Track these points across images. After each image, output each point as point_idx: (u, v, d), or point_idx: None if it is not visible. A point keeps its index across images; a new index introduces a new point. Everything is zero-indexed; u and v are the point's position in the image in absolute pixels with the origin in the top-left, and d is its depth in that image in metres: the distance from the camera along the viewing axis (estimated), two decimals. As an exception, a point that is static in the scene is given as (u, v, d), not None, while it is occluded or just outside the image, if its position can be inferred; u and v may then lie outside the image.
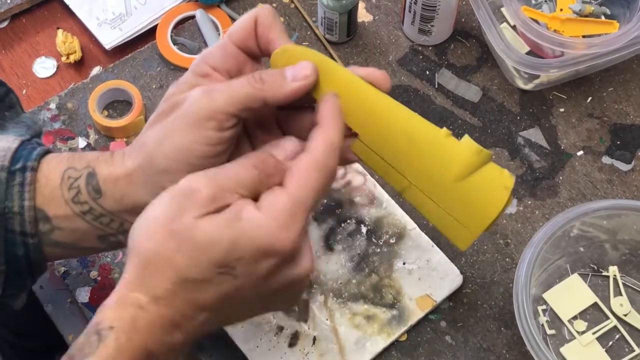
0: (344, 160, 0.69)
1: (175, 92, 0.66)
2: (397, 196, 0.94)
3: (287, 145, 0.64)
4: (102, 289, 0.90)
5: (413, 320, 0.87)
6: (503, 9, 1.05)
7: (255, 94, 0.63)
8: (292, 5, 1.09)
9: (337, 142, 0.62)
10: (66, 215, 0.68)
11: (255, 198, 0.60)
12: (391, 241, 0.91)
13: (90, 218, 0.68)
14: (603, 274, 0.91)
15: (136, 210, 0.64)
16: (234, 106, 0.62)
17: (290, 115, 0.69)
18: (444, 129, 0.66)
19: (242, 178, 0.60)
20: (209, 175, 0.60)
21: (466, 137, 0.65)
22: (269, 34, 0.66)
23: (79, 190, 0.67)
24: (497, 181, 0.65)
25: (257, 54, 0.68)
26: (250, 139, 0.69)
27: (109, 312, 0.58)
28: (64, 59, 1.05)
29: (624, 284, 0.90)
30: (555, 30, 1.00)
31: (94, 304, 0.89)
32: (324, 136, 0.62)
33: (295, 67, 0.64)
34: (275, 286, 0.61)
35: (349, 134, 0.67)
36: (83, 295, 0.90)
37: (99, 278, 0.91)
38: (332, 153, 0.62)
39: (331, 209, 0.93)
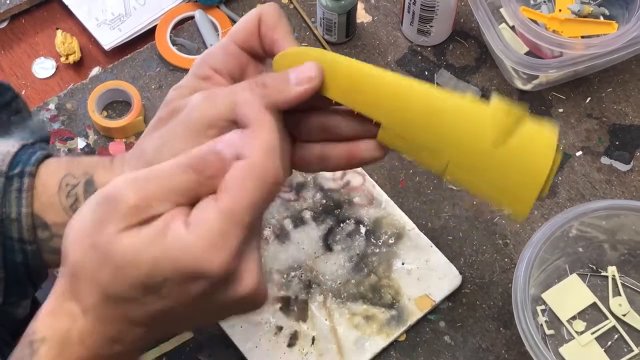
0: (349, 163, 0.65)
1: (176, 97, 0.63)
2: (396, 196, 0.94)
3: (234, 138, 0.54)
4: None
5: (412, 320, 0.87)
6: (502, 10, 1.05)
7: (259, 100, 0.58)
8: (291, 6, 1.10)
9: (274, 143, 0.54)
10: (65, 223, 0.62)
11: (194, 203, 0.53)
12: (390, 241, 0.91)
13: None
14: (602, 274, 0.91)
15: None
16: (236, 113, 0.58)
17: (298, 116, 0.65)
18: (469, 94, 0.62)
19: (176, 183, 0.53)
20: (138, 179, 0.53)
21: (495, 98, 0.61)
22: (273, 34, 0.63)
23: (76, 198, 0.65)
24: (539, 140, 0.60)
25: (260, 55, 0.65)
26: None
27: (42, 322, 0.54)
28: (63, 59, 1.05)
29: (622, 284, 0.90)
30: (554, 31, 1.00)
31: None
32: (258, 138, 0.54)
33: (298, 69, 0.60)
34: (213, 306, 0.55)
35: (373, 126, 0.63)
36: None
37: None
38: (271, 157, 0.53)
39: (330, 209, 0.93)
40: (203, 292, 0.53)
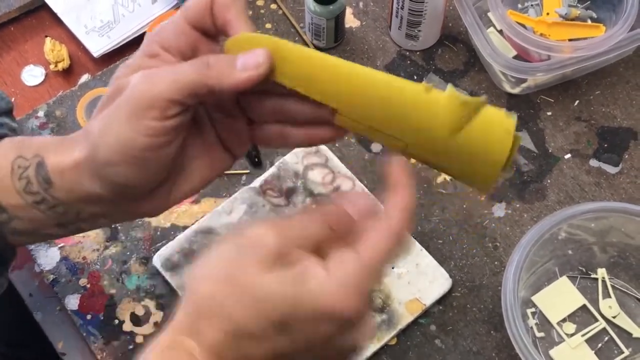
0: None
1: (122, 75, 0.61)
2: (386, 201, 0.94)
3: (361, 202, 0.59)
4: (91, 296, 0.90)
5: (402, 324, 0.88)
6: (489, 14, 1.06)
7: (201, 80, 0.58)
8: (280, 12, 1.10)
9: (413, 207, 0.58)
10: (20, 205, 0.64)
11: (319, 253, 0.56)
12: (380, 246, 0.91)
13: (45, 208, 0.64)
14: (592, 276, 0.91)
15: (88, 200, 0.62)
16: (177, 93, 0.57)
17: (253, 98, 0.64)
18: (423, 83, 0.61)
19: (312, 234, 0.56)
20: (278, 226, 0.55)
21: (449, 87, 0.61)
22: (226, 14, 0.61)
23: (29, 181, 0.63)
24: (496, 126, 0.60)
25: (213, 34, 0.63)
26: (212, 122, 0.65)
27: (158, 356, 0.54)
28: (52, 67, 1.05)
29: (612, 286, 0.90)
30: (541, 34, 1.00)
31: (83, 311, 0.89)
32: (401, 202, 0.58)
33: (247, 54, 0.59)
34: (330, 351, 0.56)
35: (328, 111, 0.62)
36: (72, 302, 0.90)
37: (88, 285, 0.91)
38: (408, 219, 0.57)
39: (320, 214, 0.93)
40: (330, 334, 0.54)
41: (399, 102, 0.61)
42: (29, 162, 0.63)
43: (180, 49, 0.62)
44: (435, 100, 0.60)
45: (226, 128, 0.65)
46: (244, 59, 0.59)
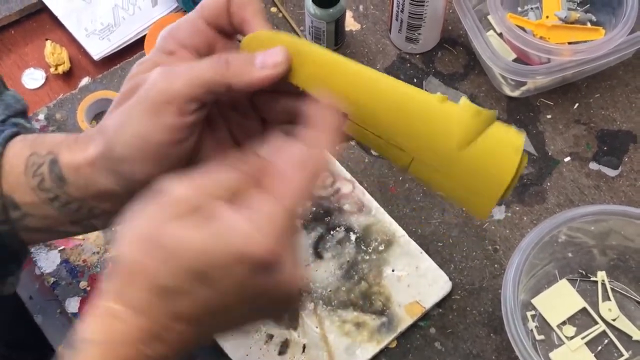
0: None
1: (138, 72, 0.61)
2: (386, 203, 0.95)
3: (288, 151, 0.56)
4: (92, 299, 0.90)
5: (402, 327, 0.88)
6: (489, 17, 1.06)
7: (219, 78, 0.58)
8: (280, 15, 1.10)
9: (331, 127, 0.57)
10: (34, 202, 0.64)
11: (237, 201, 0.54)
12: (380, 248, 0.91)
13: (58, 205, 0.64)
14: (591, 279, 0.91)
15: (102, 197, 0.62)
16: (195, 90, 0.57)
17: (267, 98, 0.64)
18: (438, 93, 0.60)
19: (226, 182, 0.55)
20: (189, 178, 0.55)
21: (463, 99, 0.61)
22: (243, 13, 0.61)
23: (43, 178, 0.63)
24: (505, 143, 0.59)
25: (229, 32, 0.63)
26: (225, 121, 0.65)
27: (85, 324, 0.54)
28: (52, 70, 1.05)
29: (612, 289, 0.90)
30: (541, 37, 1.01)
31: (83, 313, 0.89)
32: (326, 133, 0.57)
33: (266, 52, 0.59)
34: (261, 300, 0.55)
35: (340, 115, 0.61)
36: (73, 305, 0.90)
37: (88, 288, 0.91)
38: (325, 143, 0.56)
39: (320, 217, 0.93)
40: (247, 276, 0.53)
41: (411, 110, 0.60)
42: (43, 159, 0.64)
43: (197, 46, 0.62)
44: (449, 110, 0.60)
45: (239, 127, 0.65)
46: (263, 57, 0.59)
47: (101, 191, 0.62)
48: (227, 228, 0.52)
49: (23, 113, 0.76)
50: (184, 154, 0.61)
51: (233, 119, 0.65)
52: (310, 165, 0.55)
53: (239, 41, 0.63)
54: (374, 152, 0.99)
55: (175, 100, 0.57)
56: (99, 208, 0.64)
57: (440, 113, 0.60)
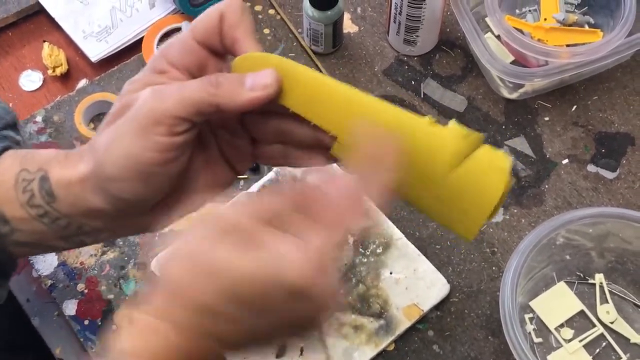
0: None
1: (129, 91, 0.61)
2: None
3: (337, 182, 0.56)
4: (89, 302, 0.90)
5: (400, 329, 0.88)
6: (487, 19, 1.06)
7: (209, 99, 0.58)
8: (278, 17, 1.10)
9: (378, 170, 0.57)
10: (22, 217, 0.64)
11: (283, 228, 0.54)
12: (378, 251, 0.91)
13: (48, 221, 0.64)
14: (589, 281, 0.91)
15: (92, 214, 0.62)
16: (185, 110, 0.57)
17: (257, 118, 0.65)
18: (428, 116, 0.61)
19: (272, 204, 0.55)
20: (238, 203, 0.55)
21: (452, 122, 0.61)
22: (234, 32, 0.61)
23: (32, 194, 0.63)
24: (492, 165, 0.60)
25: (220, 52, 0.63)
26: (216, 139, 0.65)
27: (123, 336, 0.54)
28: (50, 72, 1.05)
29: (610, 292, 0.90)
30: (539, 40, 1.01)
31: (81, 316, 0.89)
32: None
33: (256, 74, 0.59)
34: (292, 321, 0.55)
35: (328, 137, 0.62)
36: (70, 308, 0.90)
37: (85, 291, 0.91)
38: (369, 185, 0.56)
39: (318, 220, 0.93)
40: (289, 304, 0.53)
41: (402, 133, 0.60)
42: (33, 175, 0.64)
43: (188, 66, 0.62)
44: (439, 133, 0.60)
45: (229, 145, 0.65)
46: (253, 79, 0.59)
47: (91, 209, 0.62)
48: (277, 256, 0.52)
49: (12, 125, 0.75)
50: (174, 173, 0.61)
51: (223, 138, 0.65)
52: (360, 199, 0.55)
53: (230, 61, 0.63)
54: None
55: (165, 120, 0.57)
56: (88, 225, 0.64)
57: (429, 136, 0.60)
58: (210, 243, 0.53)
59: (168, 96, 0.58)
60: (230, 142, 0.65)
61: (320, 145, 0.64)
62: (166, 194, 0.63)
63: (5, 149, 0.67)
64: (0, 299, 0.74)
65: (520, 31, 1.01)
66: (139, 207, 0.62)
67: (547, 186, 0.98)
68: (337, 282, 0.55)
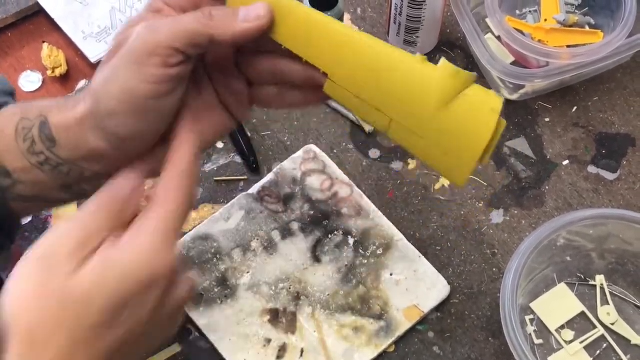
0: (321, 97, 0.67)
1: (126, 28, 0.62)
2: (384, 207, 0.94)
3: (123, 184, 0.60)
4: None
5: (401, 331, 0.87)
6: (488, 20, 1.06)
7: (202, 29, 0.59)
8: (278, 18, 1.10)
9: (198, 152, 0.61)
10: (24, 167, 0.64)
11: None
12: (378, 252, 0.91)
13: (49, 168, 0.64)
14: (590, 283, 0.91)
15: (92, 157, 0.63)
16: (179, 41, 0.59)
17: (250, 58, 0.66)
18: (418, 54, 0.61)
19: (98, 220, 0.57)
20: (63, 230, 0.57)
21: (443, 60, 0.61)
22: None
23: (33, 141, 0.64)
24: (483, 104, 0.60)
25: None
26: (212, 82, 0.67)
27: None
28: (49, 72, 1.05)
29: (610, 293, 0.90)
30: (539, 41, 1.00)
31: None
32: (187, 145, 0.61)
33: (249, 7, 0.61)
34: (168, 311, 0.58)
35: (320, 74, 0.64)
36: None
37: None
38: (196, 162, 0.61)
39: (318, 221, 0.93)
40: (160, 297, 0.57)
41: (390, 70, 0.61)
42: (33, 122, 0.64)
43: (183, 5, 0.63)
44: (429, 70, 0.61)
45: (226, 88, 0.67)
46: (246, 11, 0.61)
47: (91, 150, 0.63)
48: (129, 259, 0.55)
49: (11, 94, 0.76)
50: (169, 109, 0.62)
51: (219, 80, 0.67)
52: (188, 176, 0.60)
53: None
54: (372, 156, 0.99)
55: (159, 50, 0.59)
56: (89, 170, 0.64)
57: (419, 73, 0.61)
58: (61, 274, 0.54)
59: (161, 28, 0.59)
60: (227, 85, 0.67)
61: (314, 84, 0.65)
62: (164, 133, 0.64)
63: (4, 104, 0.68)
64: (4, 262, 0.74)
65: (521, 32, 1.00)
66: (137, 145, 0.63)
67: (547, 187, 0.97)
68: (180, 263, 0.58)
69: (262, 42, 0.64)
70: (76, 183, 0.66)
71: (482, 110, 0.60)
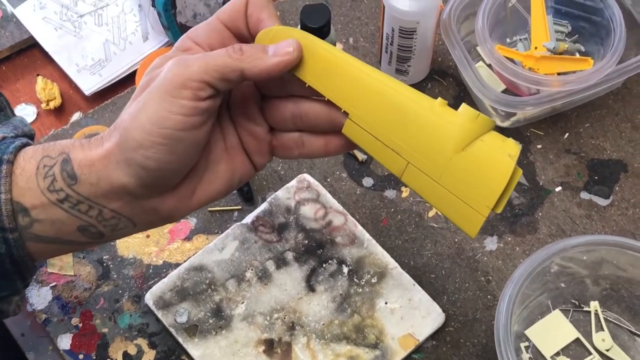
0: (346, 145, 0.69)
1: (156, 66, 0.65)
2: (378, 235, 0.95)
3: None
4: (84, 336, 0.90)
5: (396, 360, 0.87)
6: (478, 48, 1.06)
7: (233, 64, 0.61)
8: (271, 48, 1.10)
9: None
10: (43, 204, 0.64)
11: None
12: (373, 281, 0.91)
13: (68, 206, 0.65)
14: (584, 309, 0.91)
15: (114, 194, 0.63)
16: (209, 74, 0.61)
17: (274, 104, 0.68)
18: (439, 98, 0.62)
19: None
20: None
21: (464, 105, 0.61)
22: (259, 14, 0.65)
23: (54, 178, 0.64)
24: (500, 150, 0.60)
25: (244, 35, 0.67)
26: (235, 127, 0.69)
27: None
28: (44, 105, 1.06)
29: (605, 319, 0.90)
30: (530, 68, 1.01)
31: (75, 350, 0.89)
32: None
33: (278, 43, 0.64)
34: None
35: (341, 113, 0.65)
36: (64, 342, 0.89)
37: (80, 324, 0.90)
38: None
39: (312, 250, 0.93)
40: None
41: (411, 112, 0.62)
42: (55, 160, 0.65)
43: (212, 44, 0.66)
44: (451, 116, 0.61)
45: (249, 134, 0.69)
46: (276, 47, 0.63)
47: (114, 186, 0.63)
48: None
49: (31, 137, 0.77)
50: (197, 142, 0.63)
51: (243, 125, 0.69)
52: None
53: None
54: (365, 184, 0.99)
55: (190, 83, 0.60)
56: (108, 208, 0.65)
57: (440, 118, 0.61)
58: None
59: (193, 62, 0.61)
60: (250, 130, 0.69)
61: (334, 128, 0.67)
62: (190, 169, 0.65)
63: (27, 144, 0.68)
64: (18, 307, 0.74)
65: (512, 60, 1.01)
66: (163, 180, 0.64)
67: (540, 214, 0.98)
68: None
69: (286, 86, 0.66)
70: (94, 225, 0.66)
71: (498, 155, 0.60)
